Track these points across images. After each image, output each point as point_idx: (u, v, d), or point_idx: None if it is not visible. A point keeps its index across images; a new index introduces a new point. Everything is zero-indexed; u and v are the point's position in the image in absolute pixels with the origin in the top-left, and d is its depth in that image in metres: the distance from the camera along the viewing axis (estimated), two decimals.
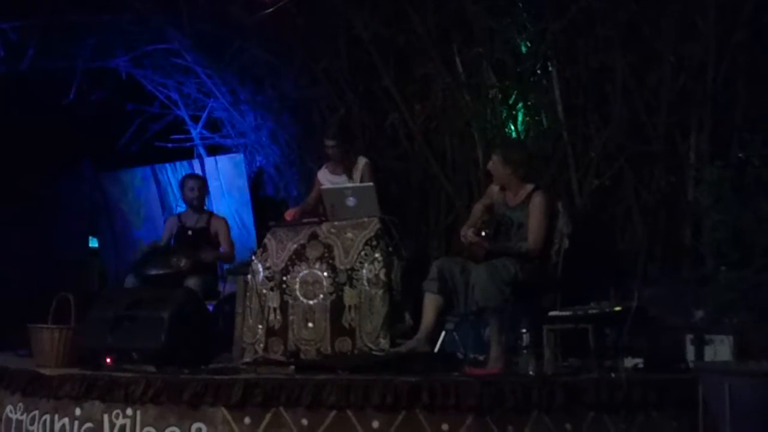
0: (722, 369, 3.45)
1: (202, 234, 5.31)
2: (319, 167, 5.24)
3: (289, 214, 4.89)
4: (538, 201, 4.24)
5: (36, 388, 3.94)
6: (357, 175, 4.96)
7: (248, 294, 4.66)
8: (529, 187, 4.33)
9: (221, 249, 5.34)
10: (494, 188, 4.47)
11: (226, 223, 5.50)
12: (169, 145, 6.73)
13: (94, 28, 6.23)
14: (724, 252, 4.22)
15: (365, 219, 4.53)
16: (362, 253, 4.44)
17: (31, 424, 3.91)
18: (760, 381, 3.24)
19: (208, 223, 5.39)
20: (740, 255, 4.13)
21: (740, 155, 4.43)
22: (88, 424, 3.73)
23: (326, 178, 5.06)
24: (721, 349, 3.84)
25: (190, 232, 5.31)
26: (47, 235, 7.08)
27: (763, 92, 4.72)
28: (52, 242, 7.12)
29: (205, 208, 5.62)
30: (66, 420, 3.79)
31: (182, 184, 5.48)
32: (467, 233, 4.25)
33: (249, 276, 4.67)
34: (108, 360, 4.16)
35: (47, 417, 3.85)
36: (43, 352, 4.34)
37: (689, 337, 3.95)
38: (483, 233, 4.20)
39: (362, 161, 5.00)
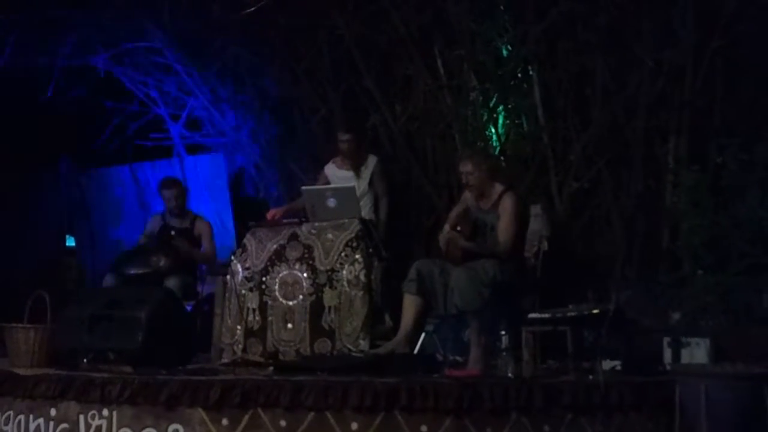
0: (698, 371, 3.49)
1: (185, 235, 5.27)
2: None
3: (270, 214, 4.86)
4: (508, 202, 4.27)
5: (10, 388, 3.88)
6: (366, 173, 4.92)
7: (227, 294, 4.63)
8: (500, 188, 4.36)
9: (202, 249, 5.31)
10: (467, 194, 4.49)
11: (210, 226, 5.46)
12: (149, 143, 6.67)
13: (73, 24, 6.17)
14: (700, 256, 4.28)
15: (346, 220, 4.52)
16: (342, 254, 4.43)
17: (6, 424, 3.85)
18: (736, 383, 3.28)
19: (192, 224, 5.35)
20: (716, 259, 4.18)
21: (717, 160, 4.49)
22: (64, 425, 3.69)
23: (334, 174, 5.02)
24: (697, 352, 3.89)
25: (173, 233, 5.27)
26: (24, 234, 6.99)
27: (740, 98, 4.78)
28: (28, 240, 7.03)
29: (187, 208, 5.57)
30: (41, 420, 3.74)
31: (159, 192, 5.43)
32: (443, 232, 4.27)
33: (228, 276, 4.64)
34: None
35: (22, 417, 3.80)
36: (18, 352, 4.29)
37: (666, 339, 4.00)
38: (458, 228, 4.22)
39: (373, 160, 4.95)
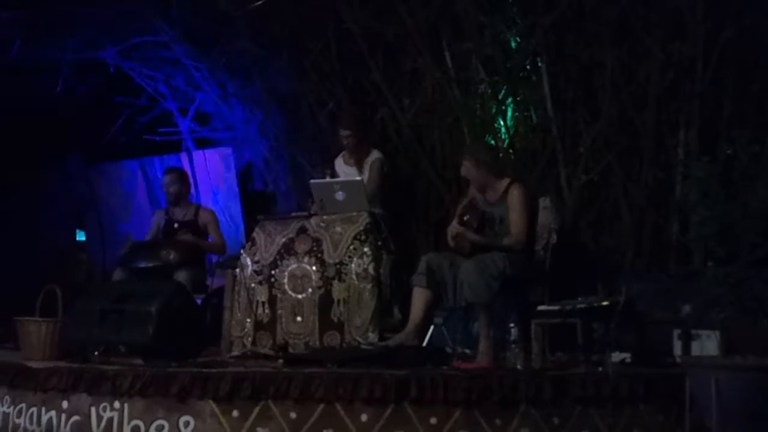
0: (709, 364, 3.47)
1: (189, 226, 5.29)
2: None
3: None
4: (516, 194, 4.26)
5: (23, 380, 3.92)
6: (367, 168, 4.95)
7: (237, 288, 4.65)
8: (505, 181, 4.35)
9: (210, 239, 5.33)
10: (473, 189, 4.48)
11: (214, 214, 5.48)
12: (158, 138, 6.69)
13: (81, 19, 6.18)
14: (711, 247, 4.25)
15: (354, 213, 4.53)
16: (351, 247, 4.44)
17: (18, 416, 3.88)
18: (746, 376, 3.27)
19: (196, 215, 5.37)
20: (727, 250, 4.15)
21: (728, 151, 4.46)
22: (76, 417, 3.72)
23: (340, 168, 5.06)
24: (707, 344, 3.87)
25: (176, 225, 5.29)
26: (34, 229, 7.03)
27: (750, 89, 4.75)
28: (39, 235, 7.07)
29: (191, 200, 5.59)
30: (53, 413, 3.77)
31: (161, 181, 5.49)
32: (451, 227, 4.27)
33: (237, 270, 4.66)
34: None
35: (34, 410, 3.83)
36: (30, 345, 4.32)
37: (676, 331, 3.98)
38: (465, 218, 4.22)
39: (374, 155, 4.98)
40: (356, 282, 4.39)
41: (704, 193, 4.13)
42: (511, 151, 5.34)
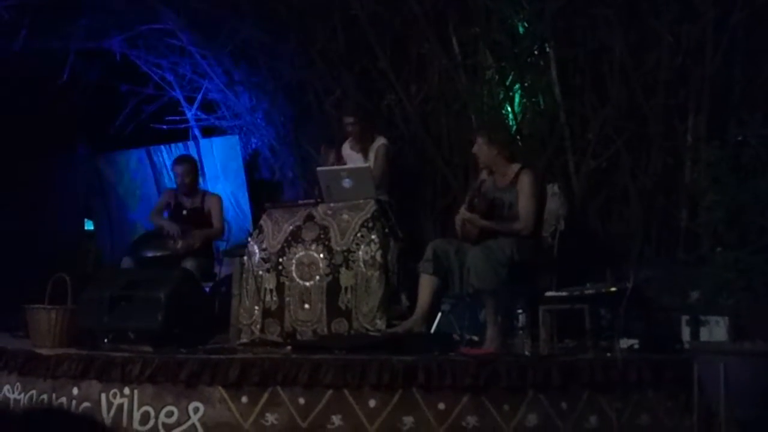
0: (717, 349, 3.47)
1: (196, 214, 5.29)
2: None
3: None
4: (526, 179, 4.23)
5: (33, 368, 3.94)
6: (372, 155, 4.96)
7: (244, 275, 4.66)
8: (516, 166, 4.32)
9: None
10: (483, 174, 4.47)
11: (219, 199, 5.45)
12: (165, 126, 6.69)
13: (87, 7, 6.18)
14: (720, 233, 4.23)
15: (361, 200, 4.52)
16: (358, 234, 4.44)
17: (29, 403, 3.91)
18: (755, 361, 3.26)
19: (202, 202, 5.36)
20: (736, 236, 4.13)
21: (738, 137, 4.43)
22: (86, 404, 3.74)
23: (347, 154, 5.07)
24: (716, 330, 3.87)
25: (185, 212, 5.29)
26: (43, 217, 7.05)
27: (760, 73, 4.72)
28: (47, 224, 7.09)
29: (200, 188, 5.59)
30: (63, 399, 3.80)
31: (172, 169, 5.47)
32: (459, 213, 4.25)
33: (245, 257, 4.66)
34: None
35: (45, 396, 3.86)
36: (40, 333, 4.34)
37: (685, 317, 3.98)
38: (474, 200, 4.20)
39: (379, 141, 4.98)
40: (364, 269, 4.39)
41: (714, 179, 4.11)
42: (518, 137, 5.32)
